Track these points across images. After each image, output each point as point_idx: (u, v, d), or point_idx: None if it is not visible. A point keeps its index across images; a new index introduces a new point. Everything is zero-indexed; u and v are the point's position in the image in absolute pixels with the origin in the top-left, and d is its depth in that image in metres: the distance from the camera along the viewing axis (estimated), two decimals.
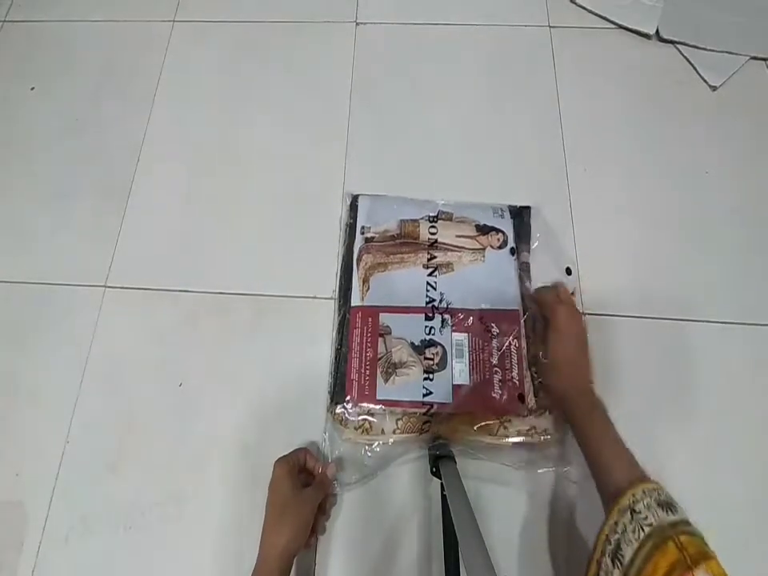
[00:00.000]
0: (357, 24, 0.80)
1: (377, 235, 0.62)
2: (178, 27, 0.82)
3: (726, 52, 0.74)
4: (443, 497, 0.48)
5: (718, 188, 0.67)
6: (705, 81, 0.73)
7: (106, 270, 0.66)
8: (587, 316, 0.60)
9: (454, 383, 0.53)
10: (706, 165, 0.69)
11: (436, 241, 0.61)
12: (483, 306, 0.57)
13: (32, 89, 0.79)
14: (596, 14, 0.79)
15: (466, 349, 0.55)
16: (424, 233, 0.62)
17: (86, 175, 0.72)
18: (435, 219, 0.63)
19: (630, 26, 0.77)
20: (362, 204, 0.65)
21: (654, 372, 0.58)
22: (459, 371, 0.54)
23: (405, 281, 0.59)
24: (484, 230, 0.62)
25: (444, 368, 0.54)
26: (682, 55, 0.75)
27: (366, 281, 0.59)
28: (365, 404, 0.53)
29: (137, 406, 0.59)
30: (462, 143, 0.71)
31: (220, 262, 0.65)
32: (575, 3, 0.80)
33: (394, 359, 0.55)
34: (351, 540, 0.52)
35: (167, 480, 0.55)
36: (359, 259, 0.60)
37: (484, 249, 0.60)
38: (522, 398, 0.53)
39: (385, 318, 0.56)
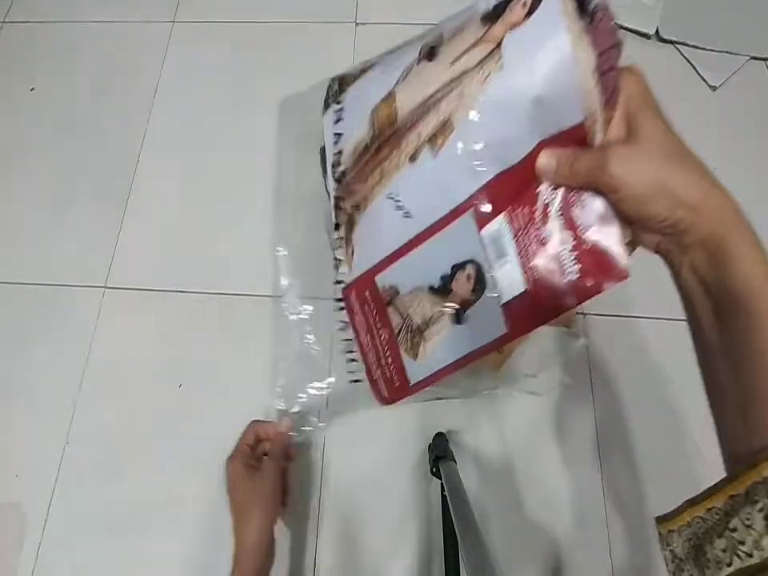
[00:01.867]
0: (357, 24, 0.80)
1: (348, 163, 0.39)
2: (178, 27, 0.82)
3: (726, 52, 0.74)
4: (443, 497, 0.48)
5: None
6: (705, 81, 0.73)
7: (106, 271, 0.66)
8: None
9: (502, 302, 0.33)
10: (705, 164, 0.69)
11: (420, 105, 0.34)
12: (520, 147, 0.31)
13: (32, 89, 0.79)
14: None
15: (508, 238, 0.32)
16: (402, 103, 0.35)
17: (85, 175, 0.72)
18: (419, 61, 0.36)
19: (629, 26, 0.77)
20: (327, 120, 0.42)
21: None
22: (506, 278, 0.33)
23: (390, 215, 0.36)
24: (495, 12, 0.31)
25: (482, 291, 0.34)
26: (682, 55, 0.75)
27: (348, 240, 0.39)
28: (402, 400, 0.40)
29: (137, 407, 0.59)
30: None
31: (220, 262, 0.65)
32: None
33: (416, 321, 0.38)
34: (351, 540, 0.52)
35: (167, 480, 0.55)
36: (337, 210, 0.40)
37: (500, 43, 0.30)
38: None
39: (384, 278, 0.38)
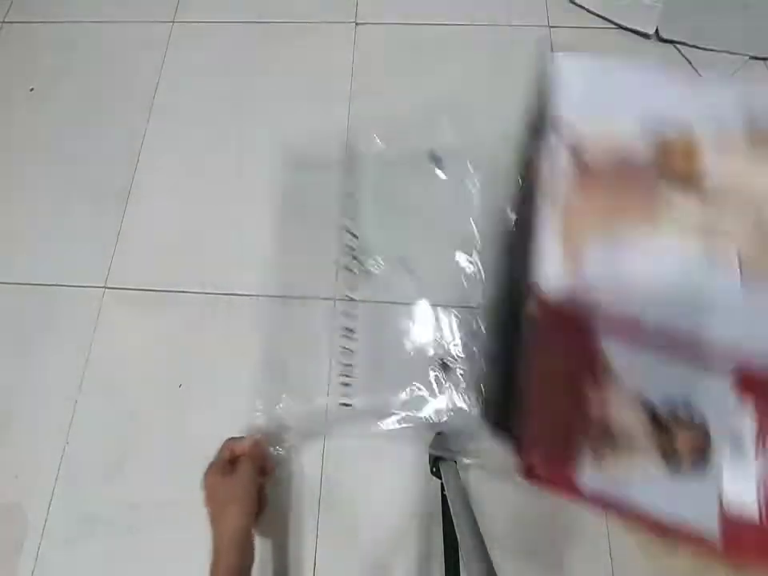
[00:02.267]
0: (357, 24, 0.80)
1: (597, 154, 0.31)
2: (178, 27, 0.82)
3: (726, 52, 0.74)
4: (443, 497, 0.48)
5: None
6: None
7: (106, 271, 0.66)
8: None
9: (723, 505, 0.27)
10: None
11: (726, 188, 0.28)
12: None
13: (31, 89, 0.79)
14: (596, 14, 0.79)
15: (751, 443, 0.27)
16: (709, 163, 0.28)
17: (85, 176, 0.72)
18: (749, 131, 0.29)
19: (629, 26, 0.77)
20: (567, 78, 0.35)
21: None
22: (736, 484, 0.27)
23: (657, 265, 0.29)
24: None
25: (703, 468, 0.28)
26: (682, 55, 0.75)
27: (574, 243, 0.30)
28: (556, 489, 0.30)
29: (137, 407, 0.59)
30: (461, 143, 0.71)
31: (220, 262, 0.65)
32: (575, 3, 0.80)
33: (613, 424, 0.29)
34: (351, 540, 0.52)
35: (167, 480, 0.55)
36: (555, 196, 0.31)
37: None
38: None
39: (609, 341, 0.29)
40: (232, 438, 0.51)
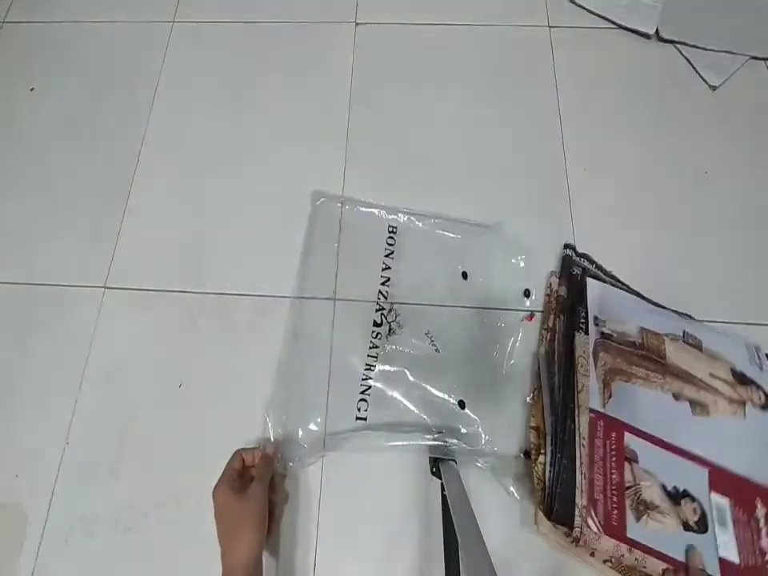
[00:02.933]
0: (357, 24, 0.80)
1: (615, 334, 0.55)
2: (178, 27, 0.82)
3: (726, 52, 0.74)
4: (443, 497, 0.48)
5: (718, 188, 0.67)
6: (705, 81, 0.73)
7: (106, 271, 0.66)
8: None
9: (720, 556, 0.45)
10: (705, 165, 0.69)
11: (685, 371, 0.53)
12: (743, 473, 0.48)
13: (31, 89, 0.79)
14: (596, 14, 0.79)
15: (729, 518, 0.46)
16: (672, 354, 0.54)
17: (85, 175, 0.72)
18: (682, 340, 0.55)
19: (629, 26, 0.77)
20: (591, 289, 0.58)
21: None
22: (724, 543, 0.45)
23: (652, 405, 0.51)
24: (743, 380, 0.53)
25: (704, 531, 0.46)
26: (682, 55, 0.75)
27: (607, 385, 0.52)
28: (612, 540, 0.46)
29: (136, 407, 0.59)
30: (462, 143, 0.71)
31: (220, 262, 0.65)
32: (575, 3, 0.80)
33: (644, 497, 0.47)
34: (351, 540, 0.52)
35: (167, 480, 0.55)
36: (596, 354, 0.54)
37: (744, 402, 0.52)
38: None
39: (630, 441, 0.49)
40: (243, 448, 0.51)
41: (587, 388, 0.53)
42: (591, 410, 0.50)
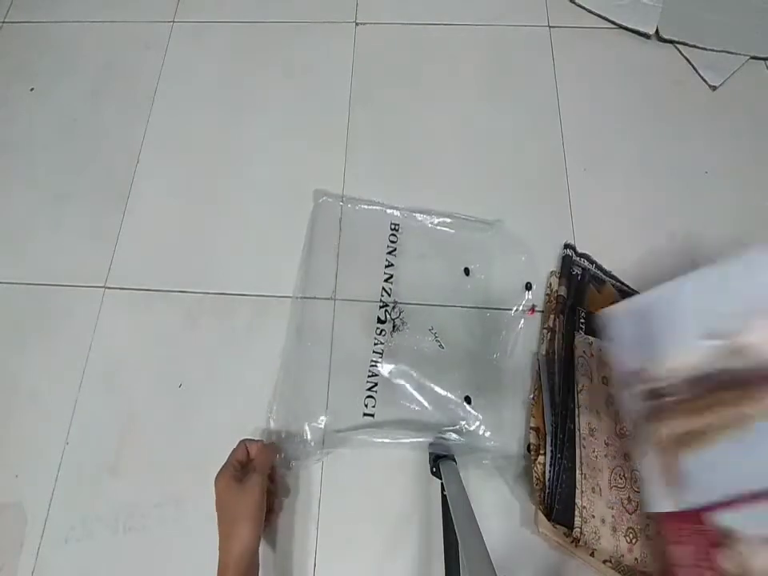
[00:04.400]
0: (357, 24, 0.80)
1: (666, 382, 0.38)
2: (178, 27, 0.82)
3: (726, 52, 0.74)
4: (443, 497, 0.48)
5: (718, 188, 0.67)
6: (705, 81, 0.73)
7: (106, 271, 0.66)
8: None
9: None
10: (705, 165, 0.69)
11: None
12: None
13: (31, 89, 0.79)
14: (596, 14, 0.79)
15: None
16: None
17: (85, 176, 0.72)
18: None
19: (629, 26, 0.77)
20: (613, 324, 0.42)
21: None
22: None
23: (749, 452, 0.35)
24: None
25: None
26: (682, 55, 0.75)
27: (669, 464, 0.38)
28: None
29: (137, 407, 0.59)
30: (462, 143, 0.71)
31: (220, 262, 0.65)
32: (575, 3, 0.80)
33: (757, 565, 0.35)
34: (351, 540, 0.52)
35: (167, 480, 0.55)
36: (646, 437, 0.40)
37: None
38: None
39: (725, 519, 0.35)
40: (247, 438, 0.51)
41: (587, 389, 0.53)
42: (659, 513, 0.39)
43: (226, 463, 0.48)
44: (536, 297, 0.61)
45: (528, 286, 0.61)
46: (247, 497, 0.45)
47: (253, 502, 0.44)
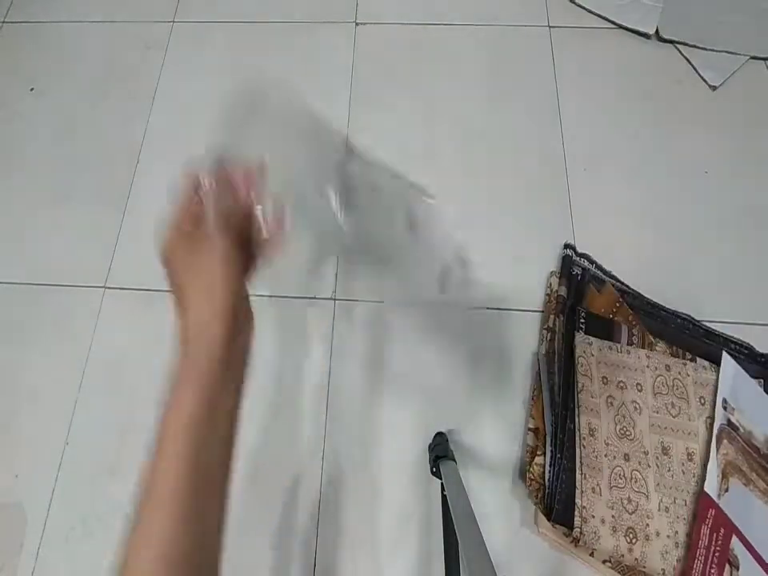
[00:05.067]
0: (357, 24, 0.80)
1: (741, 429, 0.53)
2: (178, 27, 0.82)
3: (726, 52, 0.74)
4: (443, 497, 0.48)
5: (717, 188, 0.67)
6: (705, 81, 0.73)
7: (106, 271, 0.66)
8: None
9: None
10: (705, 165, 0.69)
11: None
12: None
13: (31, 89, 0.79)
14: (596, 14, 0.79)
15: None
16: None
17: (85, 176, 0.72)
18: None
19: (629, 26, 0.77)
20: (725, 367, 0.55)
21: None
22: None
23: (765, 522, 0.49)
24: None
25: None
26: (682, 55, 0.75)
27: (725, 477, 0.50)
28: None
29: (136, 407, 0.59)
30: (461, 143, 0.71)
31: None
32: (575, 3, 0.80)
33: None
34: (351, 540, 0.52)
35: None
36: (719, 440, 0.52)
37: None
38: None
39: (736, 546, 0.48)
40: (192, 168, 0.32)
41: (587, 389, 0.53)
42: (705, 494, 0.49)
43: (171, 220, 0.32)
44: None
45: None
46: (212, 246, 0.29)
47: (222, 247, 0.29)
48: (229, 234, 0.29)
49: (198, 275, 0.28)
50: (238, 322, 0.27)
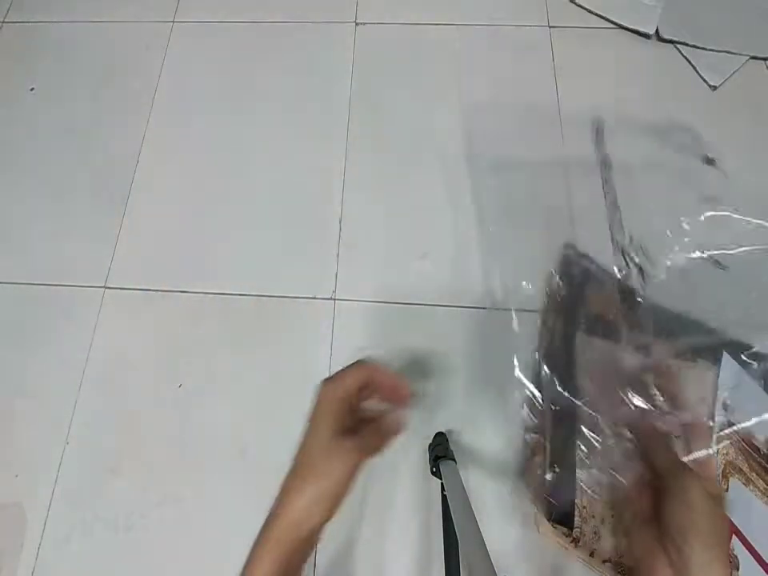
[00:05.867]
0: (357, 24, 0.80)
1: (740, 428, 0.51)
2: (178, 27, 0.82)
3: (726, 52, 0.74)
4: (443, 497, 0.48)
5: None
6: (705, 81, 0.73)
7: (106, 271, 0.66)
8: None
9: None
10: None
11: None
12: None
13: (32, 89, 0.79)
14: (596, 14, 0.79)
15: None
16: None
17: (85, 176, 0.72)
18: None
19: (629, 26, 0.77)
20: (726, 366, 0.53)
21: None
22: None
23: (766, 524, 0.48)
24: None
25: None
26: (682, 55, 0.75)
27: (725, 477, 0.50)
28: None
29: (137, 407, 0.59)
30: (462, 142, 0.71)
31: (219, 262, 0.65)
32: (575, 3, 0.80)
33: None
34: (351, 539, 0.52)
35: (167, 480, 0.55)
36: (719, 440, 0.51)
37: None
38: None
39: (736, 545, 0.47)
40: (372, 365, 0.32)
41: (587, 389, 0.53)
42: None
43: (341, 374, 0.31)
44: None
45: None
46: (340, 456, 0.30)
47: (342, 467, 0.30)
48: (361, 455, 0.31)
49: (327, 476, 0.30)
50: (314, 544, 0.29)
